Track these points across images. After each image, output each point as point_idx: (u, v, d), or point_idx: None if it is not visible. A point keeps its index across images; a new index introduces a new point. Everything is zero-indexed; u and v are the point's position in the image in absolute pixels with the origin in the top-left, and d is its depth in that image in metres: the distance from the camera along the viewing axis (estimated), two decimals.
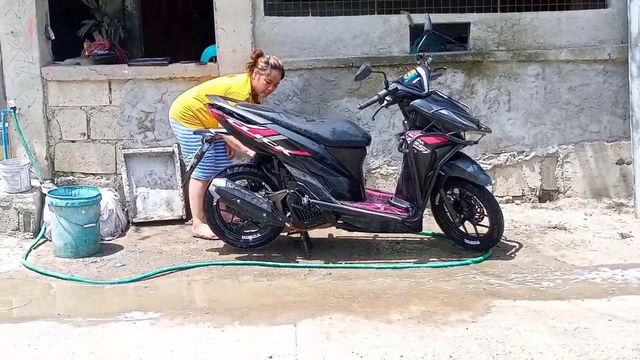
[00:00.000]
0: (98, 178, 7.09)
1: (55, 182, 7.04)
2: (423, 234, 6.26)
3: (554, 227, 6.55)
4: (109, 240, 6.52)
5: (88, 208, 6.14)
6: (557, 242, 6.20)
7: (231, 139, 6.07)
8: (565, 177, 7.23)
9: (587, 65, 7.13)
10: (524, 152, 7.20)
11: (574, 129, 7.19)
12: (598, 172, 7.23)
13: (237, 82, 6.35)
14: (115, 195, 6.84)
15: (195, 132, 6.27)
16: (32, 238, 6.55)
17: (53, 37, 7.14)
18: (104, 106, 7.02)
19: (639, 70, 6.90)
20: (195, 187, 6.41)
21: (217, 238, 6.27)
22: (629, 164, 7.12)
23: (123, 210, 6.88)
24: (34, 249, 6.33)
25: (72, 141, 7.07)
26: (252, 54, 6.37)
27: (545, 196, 7.26)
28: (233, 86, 6.30)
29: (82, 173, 7.09)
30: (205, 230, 6.40)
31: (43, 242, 6.47)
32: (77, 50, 8.34)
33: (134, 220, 6.89)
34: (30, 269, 5.87)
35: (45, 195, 6.45)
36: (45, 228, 6.50)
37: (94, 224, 6.17)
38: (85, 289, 5.50)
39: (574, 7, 7.69)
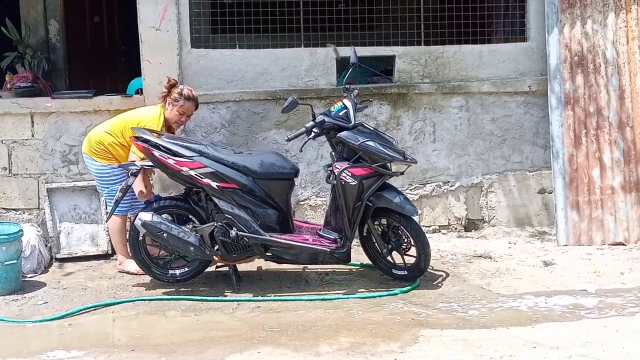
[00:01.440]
0: (20, 213, 6.91)
1: None
2: (352, 264, 6.28)
3: (480, 256, 6.66)
4: (32, 277, 6.34)
5: (9, 244, 5.96)
6: (482, 271, 6.29)
7: (138, 181, 5.97)
8: (490, 207, 7.37)
9: (509, 97, 7.31)
10: (449, 182, 7.32)
11: (497, 159, 7.35)
12: (521, 201, 7.39)
13: (149, 116, 6.22)
14: (38, 231, 6.67)
15: (120, 166, 6.18)
16: None
17: None
18: (27, 139, 6.87)
19: (557, 101, 7.12)
20: (114, 222, 6.30)
21: (144, 273, 6.17)
22: (550, 193, 7.31)
23: (46, 246, 6.71)
24: None
25: None
26: (166, 84, 6.23)
27: (471, 225, 7.38)
28: (144, 120, 6.17)
29: (3, 208, 6.90)
30: (131, 265, 6.29)
31: None
32: None
33: (58, 256, 6.73)
34: None
35: None
36: None
37: (15, 261, 5.99)
38: (5, 328, 5.32)
39: (495, 40, 7.90)
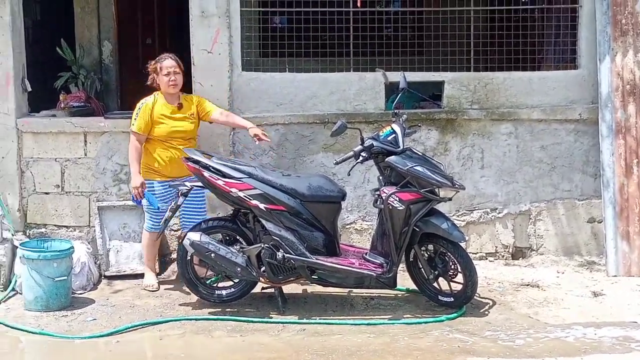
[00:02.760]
0: (71, 230, 7.03)
1: (28, 234, 6.96)
2: (397, 289, 6.26)
3: (527, 285, 6.58)
4: (81, 293, 6.43)
5: (60, 261, 6.07)
6: (530, 300, 6.22)
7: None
8: (538, 235, 7.30)
9: (559, 125, 7.25)
10: (496, 209, 7.27)
11: (546, 187, 7.28)
12: (570, 230, 7.30)
13: (141, 107, 6.36)
14: (88, 248, 6.77)
15: (170, 185, 6.28)
16: (2, 291, 6.46)
17: (29, 89, 7.15)
18: (79, 158, 7.00)
19: (609, 130, 7.04)
20: (144, 237, 6.54)
21: (153, 290, 6.40)
22: (600, 223, 7.21)
23: (95, 263, 6.81)
24: (4, 302, 6.23)
25: (46, 193, 7.02)
26: (148, 68, 6.43)
27: (518, 253, 7.30)
28: (138, 111, 6.34)
29: (55, 225, 7.03)
30: (148, 279, 6.50)
31: (13, 295, 6.37)
32: (53, 102, 8.34)
33: (107, 273, 6.81)
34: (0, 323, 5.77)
35: (17, 247, 6.39)
36: (16, 281, 6.40)
37: (65, 277, 6.09)
38: (55, 344, 5.42)
39: (545, 67, 7.86)
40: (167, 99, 6.38)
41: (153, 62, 6.41)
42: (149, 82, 6.45)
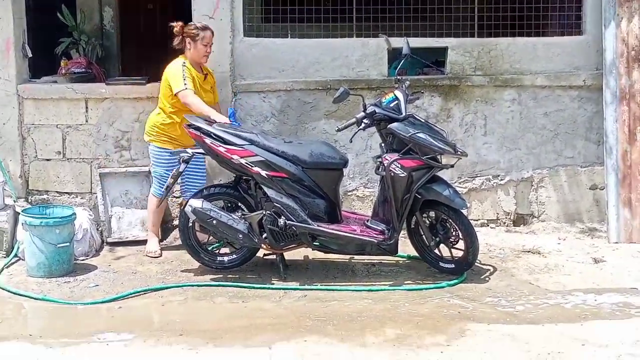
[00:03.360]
0: (73, 197, 7.04)
1: (30, 200, 6.98)
2: (399, 256, 6.27)
3: (528, 251, 6.59)
4: (83, 260, 6.45)
5: (62, 227, 6.08)
6: (531, 266, 6.23)
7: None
8: (540, 202, 7.29)
9: (563, 91, 7.21)
10: (499, 176, 7.25)
11: (548, 154, 7.26)
12: (572, 197, 7.29)
13: (173, 71, 6.25)
14: (90, 215, 6.78)
15: (172, 152, 6.27)
16: (4, 257, 6.47)
17: (30, 55, 7.12)
18: (80, 125, 6.99)
19: (613, 97, 7.00)
20: (150, 202, 6.56)
21: (155, 256, 6.43)
22: (602, 190, 7.20)
23: (97, 230, 6.82)
24: (6, 268, 6.25)
25: (47, 159, 7.02)
26: (175, 27, 6.32)
27: (520, 220, 7.30)
28: (170, 77, 6.25)
29: (57, 192, 7.04)
30: (150, 245, 6.54)
31: (16, 262, 6.39)
32: (54, 68, 8.31)
33: (109, 240, 6.83)
34: (2, 289, 5.79)
35: (19, 214, 6.39)
36: (18, 247, 6.42)
37: (68, 244, 6.11)
38: (58, 310, 5.44)
39: (550, 33, 7.79)
40: (196, 68, 6.34)
41: (192, 27, 6.31)
42: (175, 44, 6.37)
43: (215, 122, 5.94)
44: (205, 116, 6.02)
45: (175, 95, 6.17)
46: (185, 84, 6.12)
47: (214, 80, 6.58)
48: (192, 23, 6.39)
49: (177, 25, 6.33)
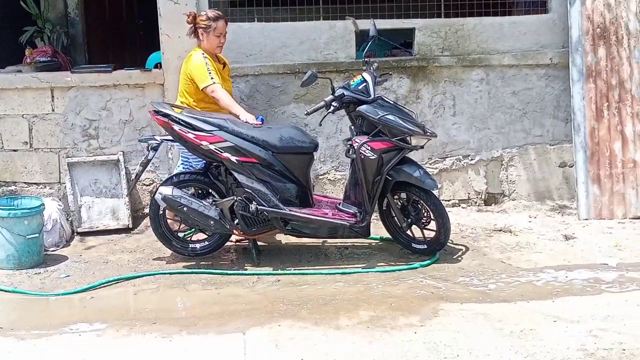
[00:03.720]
0: (41, 187, 6.96)
1: None
2: (371, 238, 6.28)
3: (500, 230, 6.64)
4: (53, 250, 6.40)
5: (31, 218, 6.01)
6: (502, 245, 6.28)
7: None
8: (510, 181, 7.34)
9: (530, 70, 7.24)
10: (469, 156, 7.28)
11: (517, 133, 7.30)
12: (542, 175, 7.35)
13: (195, 64, 6.09)
14: (59, 205, 6.71)
15: (140, 140, 6.21)
16: None
17: None
18: (47, 114, 6.90)
19: (579, 74, 7.04)
20: None
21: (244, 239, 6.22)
22: (571, 167, 7.26)
23: (67, 220, 6.76)
24: None
25: (14, 150, 6.93)
26: (188, 19, 6.19)
27: (491, 199, 7.35)
28: (193, 70, 6.09)
29: (25, 183, 6.96)
30: None
31: None
32: (19, 58, 8.18)
33: (79, 230, 6.77)
34: None
35: None
36: None
37: (37, 235, 6.05)
38: (29, 301, 5.38)
39: (516, 12, 7.82)
40: (212, 58, 6.21)
41: (204, 17, 6.14)
42: (188, 34, 6.25)
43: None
44: (233, 114, 5.96)
45: (202, 90, 6.05)
46: (212, 78, 6.01)
47: (229, 69, 6.47)
48: (203, 13, 6.22)
49: (189, 15, 6.20)
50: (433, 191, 5.95)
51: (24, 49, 8.47)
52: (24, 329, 4.85)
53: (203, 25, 6.15)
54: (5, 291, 5.55)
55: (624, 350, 4.31)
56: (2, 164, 6.93)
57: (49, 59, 8.22)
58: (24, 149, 6.93)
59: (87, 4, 10.51)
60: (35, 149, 6.94)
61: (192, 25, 6.21)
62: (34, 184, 6.97)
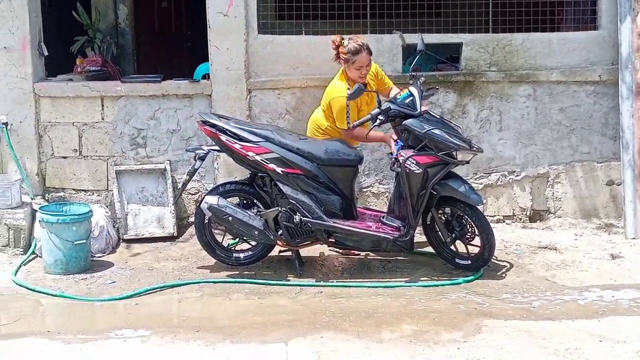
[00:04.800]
0: (89, 194, 7.08)
1: (46, 198, 7.02)
2: (415, 252, 6.26)
3: (545, 247, 6.57)
4: (100, 257, 6.49)
5: (79, 224, 6.12)
6: (547, 262, 6.21)
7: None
8: (556, 198, 7.26)
9: (578, 87, 7.17)
10: (514, 172, 7.23)
11: (564, 150, 7.23)
12: (588, 192, 7.26)
13: (335, 89, 6.04)
14: (106, 212, 6.82)
15: (187, 149, 6.29)
16: (22, 254, 6.52)
17: (46, 53, 7.15)
18: (96, 122, 7.02)
19: (629, 91, 6.96)
20: None
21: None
22: (619, 185, 7.16)
23: (114, 226, 6.85)
24: (24, 265, 6.30)
25: (64, 157, 7.06)
26: (332, 45, 6.03)
27: (536, 216, 7.28)
28: (332, 95, 6.04)
29: (74, 189, 7.08)
30: None
31: (33, 259, 6.43)
32: (70, 67, 8.34)
33: (125, 237, 6.86)
34: (20, 286, 5.84)
35: (36, 211, 6.44)
36: (36, 244, 6.46)
37: (84, 241, 6.15)
38: (75, 306, 5.47)
39: (565, 28, 7.76)
40: (356, 81, 6.01)
41: (345, 49, 5.95)
42: (333, 60, 6.14)
43: None
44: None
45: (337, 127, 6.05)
46: (347, 122, 5.97)
47: (376, 72, 6.23)
48: (346, 44, 5.97)
49: (334, 42, 6.05)
50: (478, 206, 5.92)
51: (74, 58, 8.64)
52: (70, 333, 4.93)
53: (344, 58, 6.01)
54: (53, 295, 5.64)
55: None
56: (52, 171, 7.06)
57: (99, 68, 8.37)
58: (74, 156, 7.06)
59: (137, 15, 10.66)
60: (84, 157, 7.06)
61: (336, 52, 6.08)
62: (83, 190, 7.09)
